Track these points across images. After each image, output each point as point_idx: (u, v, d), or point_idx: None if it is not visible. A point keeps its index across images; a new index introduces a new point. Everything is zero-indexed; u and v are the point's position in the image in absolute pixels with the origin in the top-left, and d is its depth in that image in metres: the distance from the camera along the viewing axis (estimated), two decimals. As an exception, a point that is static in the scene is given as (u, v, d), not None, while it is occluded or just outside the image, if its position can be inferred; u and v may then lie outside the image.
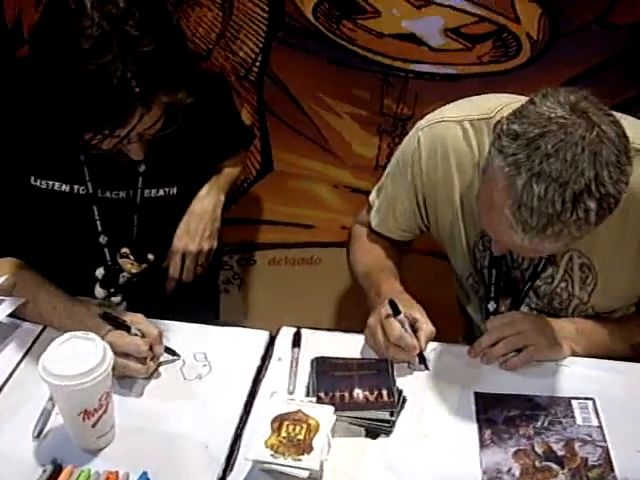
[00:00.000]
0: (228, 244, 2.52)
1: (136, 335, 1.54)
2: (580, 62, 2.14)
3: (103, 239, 1.85)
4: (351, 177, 2.44)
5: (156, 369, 1.60)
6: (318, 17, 2.23)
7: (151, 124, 1.55)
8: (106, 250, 1.86)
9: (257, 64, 2.32)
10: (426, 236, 2.38)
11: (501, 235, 1.44)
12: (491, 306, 1.77)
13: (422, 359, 1.60)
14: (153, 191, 1.83)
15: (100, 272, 1.88)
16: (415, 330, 1.61)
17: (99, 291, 1.89)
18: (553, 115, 1.34)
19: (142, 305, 1.81)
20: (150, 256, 1.87)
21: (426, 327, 1.62)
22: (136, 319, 1.58)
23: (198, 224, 1.92)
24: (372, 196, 1.94)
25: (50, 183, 1.76)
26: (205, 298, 2.20)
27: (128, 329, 1.54)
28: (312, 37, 2.26)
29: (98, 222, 1.83)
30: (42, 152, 1.73)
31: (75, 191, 1.78)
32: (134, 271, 1.87)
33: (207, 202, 1.95)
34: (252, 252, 2.57)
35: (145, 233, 1.87)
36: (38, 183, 1.75)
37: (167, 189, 1.85)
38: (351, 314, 2.45)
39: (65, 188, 1.77)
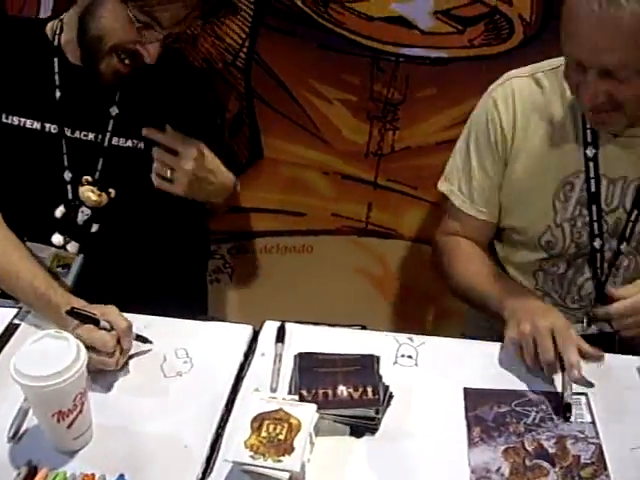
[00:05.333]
0: (218, 232, 2.48)
1: (105, 328, 1.50)
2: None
3: (67, 175, 1.85)
4: (342, 163, 2.39)
5: (127, 362, 1.57)
6: (305, 0, 2.17)
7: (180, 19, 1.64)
8: (69, 187, 1.86)
9: (244, 50, 2.26)
10: (418, 221, 2.37)
11: (582, 46, 1.44)
12: (597, 243, 1.72)
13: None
14: (122, 140, 1.84)
15: (60, 211, 1.87)
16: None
17: (57, 238, 1.87)
18: None
19: (100, 261, 1.87)
20: (111, 191, 1.86)
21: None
22: (107, 310, 1.54)
23: None
24: (443, 187, 1.90)
25: (22, 120, 1.80)
26: (192, 290, 2.18)
27: (97, 322, 1.50)
28: (300, 21, 2.20)
29: (65, 156, 1.83)
30: (16, 88, 1.80)
31: (46, 129, 1.81)
32: (94, 199, 1.85)
33: None
34: (243, 240, 2.52)
35: (109, 177, 1.86)
36: (9, 120, 1.80)
37: (135, 142, 1.84)
38: (343, 301, 2.43)
39: (36, 125, 1.81)
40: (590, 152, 1.66)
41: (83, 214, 1.87)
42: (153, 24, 1.64)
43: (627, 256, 1.73)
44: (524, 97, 1.72)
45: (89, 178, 1.85)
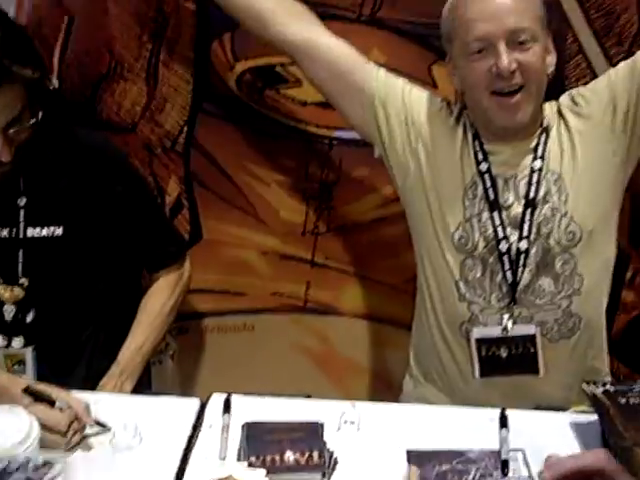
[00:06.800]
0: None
1: (61, 408, 1.53)
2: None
3: None
4: (280, 243, 2.45)
5: (81, 441, 1.58)
6: (242, 87, 2.28)
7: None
8: None
9: (183, 135, 2.34)
10: (356, 298, 2.43)
11: (488, 19, 1.77)
12: (501, 235, 1.86)
13: None
14: (37, 230, 1.84)
15: None
16: None
17: None
18: None
19: (53, 350, 1.87)
20: (22, 280, 1.86)
21: None
22: (62, 393, 1.57)
23: None
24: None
25: None
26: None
27: (52, 402, 1.53)
28: (236, 107, 2.31)
29: None
30: None
31: None
32: (7, 295, 1.85)
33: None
34: (184, 321, 2.54)
35: (31, 269, 1.86)
36: None
37: (52, 228, 1.84)
38: (286, 379, 2.46)
39: None
40: (484, 167, 1.87)
41: (9, 312, 1.88)
42: None
43: (533, 244, 1.85)
44: (440, 107, 1.96)
45: None
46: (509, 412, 1.65)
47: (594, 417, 1.56)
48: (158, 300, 2.10)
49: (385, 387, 2.46)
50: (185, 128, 2.33)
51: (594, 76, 2.10)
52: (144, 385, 2.25)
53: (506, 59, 1.75)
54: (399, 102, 1.94)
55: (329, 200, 2.38)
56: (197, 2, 2.22)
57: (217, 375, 2.51)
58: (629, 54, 2.02)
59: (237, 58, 2.27)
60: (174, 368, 2.59)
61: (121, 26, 2.26)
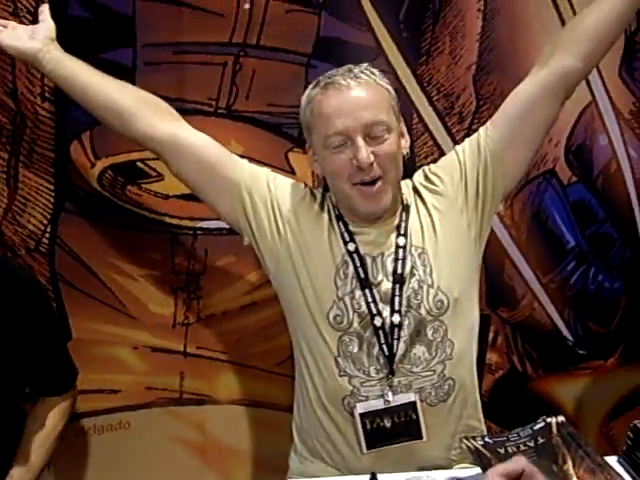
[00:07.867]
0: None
1: None
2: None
3: None
4: (150, 337, 2.45)
5: None
6: (104, 185, 2.30)
7: None
8: None
9: (47, 235, 2.33)
10: (232, 384, 2.45)
11: (346, 114, 1.85)
12: (375, 311, 1.92)
13: None
14: None
15: None
16: None
17: None
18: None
19: None
20: None
21: None
22: None
23: None
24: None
25: None
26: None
27: None
28: (99, 204, 2.33)
29: None
30: None
31: None
32: None
33: None
34: (57, 426, 2.49)
35: None
36: None
37: None
38: (168, 473, 2.43)
39: None
40: (351, 247, 1.95)
41: None
42: None
43: (405, 316, 1.93)
44: (304, 194, 2.03)
45: None
46: (394, 476, 1.70)
47: (477, 470, 1.62)
48: (51, 422, 2.12)
49: (269, 470, 2.46)
50: (48, 228, 2.33)
51: (441, 153, 2.26)
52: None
53: (365, 152, 1.85)
54: (265, 190, 2.01)
55: (197, 290, 2.41)
56: (55, 103, 2.26)
57: (97, 477, 2.45)
58: (470, 130, 2.19)
59: (97, 156, 2.30)
60: (51, 475, 2.51)
61: (-23, 129, 2.26)
